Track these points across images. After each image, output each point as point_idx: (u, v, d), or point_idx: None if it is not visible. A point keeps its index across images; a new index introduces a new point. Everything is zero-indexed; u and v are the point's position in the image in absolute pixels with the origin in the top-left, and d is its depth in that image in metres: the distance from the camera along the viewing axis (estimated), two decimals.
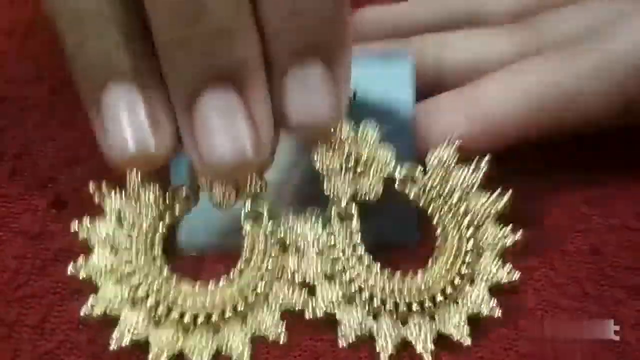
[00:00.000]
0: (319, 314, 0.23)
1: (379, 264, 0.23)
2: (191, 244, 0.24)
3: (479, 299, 0.23)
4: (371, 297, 0.23)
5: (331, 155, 0.23)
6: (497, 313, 0.23)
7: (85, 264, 0.23)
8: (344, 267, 0.23)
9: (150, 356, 0.22)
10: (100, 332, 0.23)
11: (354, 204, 0.23)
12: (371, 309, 0.23)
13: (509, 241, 0.24)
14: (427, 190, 0.24)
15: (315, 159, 0.23)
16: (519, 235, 0.24)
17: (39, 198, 0.25)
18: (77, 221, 0.23)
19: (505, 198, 0.24)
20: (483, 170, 0.24)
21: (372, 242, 0.24)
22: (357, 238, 0.23)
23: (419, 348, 0.23)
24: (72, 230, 0.23)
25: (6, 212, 0.25)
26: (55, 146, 0.27)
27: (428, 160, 0.24)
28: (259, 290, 0.23)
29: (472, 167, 0.24)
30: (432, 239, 0.24)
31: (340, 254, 0.23)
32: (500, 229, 0.24)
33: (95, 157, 0.24)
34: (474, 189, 0.24)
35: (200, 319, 0.22)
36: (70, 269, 0.23)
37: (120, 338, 0.22)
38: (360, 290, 0.23)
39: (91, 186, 0.23)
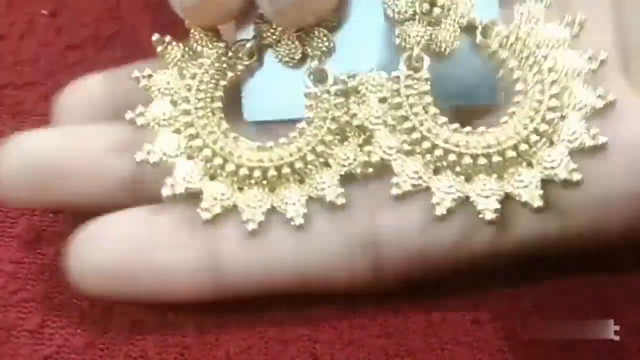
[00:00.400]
0: (374, 159, 0.22)
1: (446, 118, 0.22)
2: (255, 115, 0.23)
3: (557, 161, 0.21)
4: (433, 147, 0.21)
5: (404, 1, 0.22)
6: (577, 177, 0.21)
7: (144, 113, 0.22)
8: (406, 114, 0.22)
9: (202, 205, 0.22)
10: (98, 336, 0.23)
11: (424, 56, 0.22)
12: (432, 160, 0.22)
13: (598, 103, 0.21)
14: (509, 43, 0.22)
15: (385, 3, 0.22)
16: (610, 97, 0.21)
17: None
18: (136, 70, 0.23)
19: (601, 57, 0.22)
20: (577, 27, 0.22)
21: (446, 103, 0.22)
22: (426, 87, 0.22)
23: (481, 205, 0.21)
24: (133, 76, 0.23)
25: (2, 216, 0.25)
26: None
27: (515, 11, 0.23)
28: (318, 150, 0.22)
29: (564, 23, 0.22)
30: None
31: (404, 100, 0.22)
32: (589, 92, 0.22)
33: None
34: (564, 45, 0.22)
35: (256, 174, 0.22)
36: (127, 115, 0.22)
37: (174, 186, 0.22)
38: (423, 138, 0.21)
39: (154, 37, 0.23)
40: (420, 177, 0.21)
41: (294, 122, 0.22)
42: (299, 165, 0.22)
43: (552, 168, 0.21)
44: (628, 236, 0.22)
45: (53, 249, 0.24)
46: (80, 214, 0.23)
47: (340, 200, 0.22)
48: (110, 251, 0.21)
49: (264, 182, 0.22)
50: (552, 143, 0.22)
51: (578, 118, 0.22)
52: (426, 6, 0.22)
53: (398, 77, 0.22)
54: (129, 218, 0.22)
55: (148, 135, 0.22)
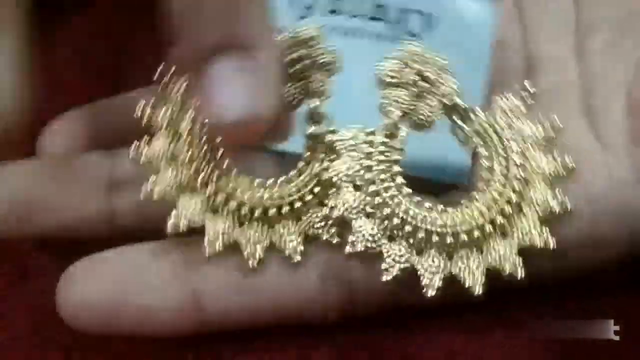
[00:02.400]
0: (335, 214, 0.22)
1: (410, 190, 0.23)
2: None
3: (505, 254, 0.22)
4: (392, 215, 0.22)
5: (395, 65, 0.23)
6: (552, 244, 0.22)
7: (147, 149, 0.22)
8: (373, 178, 0.22)
9: (205, 240, 0.22)
10: None
11: (402, 125, 0.23)
12: (389, 227, 0.22)
13: (556, 206, 0.22)
14: (484, 132, 0.23)
15: (378, 65, 0.23)
16: (567, 205, 0.22)
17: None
18: (142, 103, 0.23)
19: (570, 165, 0.23)
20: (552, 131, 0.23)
21: (417, 177, 0.23)
22: (397, 156, 0.23)
23: (468, 282, 0.22)
24: (137, 111, 0.23)
25: None
26: None
27: (495, 103, 0.24)
28: (315, 191, 0.23)
29: (540, 124, 0.23)
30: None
31: (375, 165, 0.23)
32: (549, 159, 0.23)
33: None
34: (536, 145, 0.23)
35: (257, 213, 0.22)
36: (131, 153, 0.22)
37: (177, 223, 0.22)
38: (384, 205, 0.22)
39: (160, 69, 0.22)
40: (374, 241, 0.22)
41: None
42: (297, 205, 0.23)
43: (501, 260, 0.22)
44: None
45: (38, 285, 0.25)
46: (64, 248, 0.24)
47: (336, 240, 0.23)
48: (98, 290, 0.22)
49: (264, 218, 0.23)
50: (504, 236, 0.22)
51: (535, 217, 0.22)
52: (414, 77, 0.23)
53: (372, 141, 0.23)
54: (118, 258, 0.23)
55: (147, 170, 0.23)
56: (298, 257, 0.22)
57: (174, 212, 0.22)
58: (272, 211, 0.23)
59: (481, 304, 0.22)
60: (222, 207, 0.22)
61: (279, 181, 0.23)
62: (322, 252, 0.23)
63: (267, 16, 0.21)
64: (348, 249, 0.22)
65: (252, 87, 0.20)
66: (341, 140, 0.23)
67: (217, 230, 0.22)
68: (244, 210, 0.22)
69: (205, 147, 0.23)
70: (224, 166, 0.23)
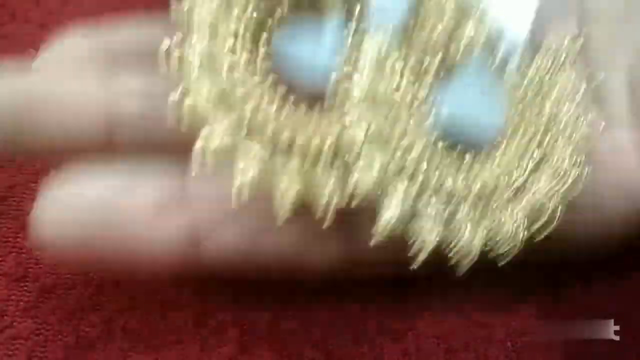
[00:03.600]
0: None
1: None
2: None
3: (544, 190, 0.21)
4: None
5: None
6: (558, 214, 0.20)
7: (181, 44, 0.19)
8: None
9: (239, 165, 0.19)
10: None
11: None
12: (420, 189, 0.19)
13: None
14: (526, 76, 0.21)
15: None
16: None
17: (23, 240, 0.26)
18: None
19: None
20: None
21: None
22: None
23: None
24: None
25: None
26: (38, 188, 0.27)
27: (544, 46, 0.22)
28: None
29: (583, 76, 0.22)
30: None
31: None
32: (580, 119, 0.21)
33: None
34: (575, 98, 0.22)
35: (299, 142, 0.19)
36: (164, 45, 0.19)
37: (209, 138, 0.19)
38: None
39: None
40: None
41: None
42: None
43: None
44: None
45: (39, 285, 0.25)
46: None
47: None
48: (81, 211, 0.20)
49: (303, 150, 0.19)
50: (516, 197, 0.21)
51: (549, 179, 0.21)
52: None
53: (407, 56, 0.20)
54: (106, 183, 0.21)
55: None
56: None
57: (204, 131, 0.19)
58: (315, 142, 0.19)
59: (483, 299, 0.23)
60: (257, 130, 0.19)
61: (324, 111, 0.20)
62: None
63: None
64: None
65: None
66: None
67: (251, 154, 0.19)
68: (285, 135, 0.19)
69: (250, 53, 0.20)
70: (268, 83, 0.20)
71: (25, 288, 0.25)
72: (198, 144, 0.19)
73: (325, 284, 0.23)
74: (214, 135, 0.19)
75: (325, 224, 0.20)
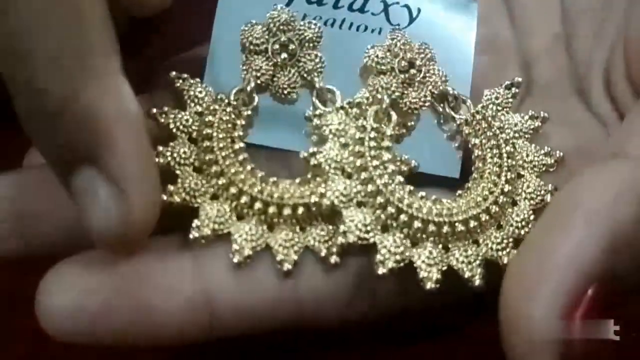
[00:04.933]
0: (325, 203, 0.21)
1: (402, 178, 0.21)
2: (261, 141, 0.23)
3: (502, 243, 0.21)
4: (386, 204, 0.21)
5: (383, 52, 0.22)
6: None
7: (164, 152, 0.21)
8: (365, 165, 0.21)
9: (233, 247, 0.20)
10: None
11: (392, 112, 0.22)
12: (383, 216, 0.21)
13: (548, 197, 0.22)
14: (475, 121, 0.23)
15: (366, 53, 0.22)
16: (558, 154, 0.22)
17: None
18: (157, 110, 0.21)
19: (559, 154, 0.23)
20: (537, 121, 0.23)
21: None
22: (388, 143, 0.22)
23: (467, 273, 0.21)
24: (152, 112, 0.21)
25: None
26: None
27: (484, 95, 0.23)
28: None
29: (527, 116, 0.23)
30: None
31: (366, 151, 0.21)
32: (537, 150, 0.23)
33: None
34: (524, 137, 0.23)
35: (285, 212, 0.21)
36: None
37: (201, 228, 0.20)
38: (378, 193, 0.21)
39: (172, 74, 0.22)
40: (367, 232, 0.21)
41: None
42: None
43: (497, 250, 0.21)
44: None
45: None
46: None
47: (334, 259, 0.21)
48: (86, 289, 0.19)
49: (294, 219, 0.21)
50: (499, 226, 0.22)
51: (527, 207, 0.22)
52: (404, 64, 0.23)
53: (364, 126, 0.22)
54: (112, 256, 0.20)
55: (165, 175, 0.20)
56: (337, 259, 0.20)
57: (197, 219, 0.20)
58: (301, 210, 0.21)
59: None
60: (247, 210, 0.21)
61: (298, 180, 0.21)
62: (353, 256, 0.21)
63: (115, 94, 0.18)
64: (340, 239, 0.20)
65: (116, 195, 0.18)
66: (328, 125, 0.22)
67: (244, 235, 0.20)
68: (272, 210, 0.21)
69: (228, 151, 0.21)
70: (248, 167, 0.21)
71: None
72: (191, 235, 0.20)
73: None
74: (204, 224, 0.20)
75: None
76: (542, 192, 0.22)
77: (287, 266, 0.20)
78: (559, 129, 0.24)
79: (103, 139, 0.18)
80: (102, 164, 0.18)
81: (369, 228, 0.21)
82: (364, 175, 0.21)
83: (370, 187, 0.21)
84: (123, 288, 0.19)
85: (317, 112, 0.22)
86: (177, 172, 0.21)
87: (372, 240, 0.21)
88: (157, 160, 0.21)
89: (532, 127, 0.23)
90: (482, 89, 0.24)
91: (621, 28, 0.24)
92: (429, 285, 0.20)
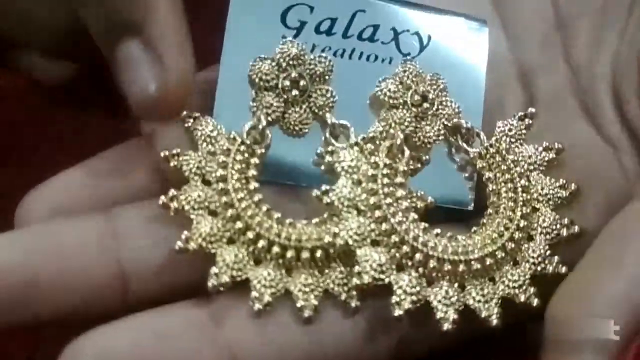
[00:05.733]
0: (339, 242, 0.20)
1: (417, 215, 0.21)
2: (272, 177, 0.22)
3: (518, 281, 0.21)
4: (401, 242, 0.20)
5: (395, 85, 0.22)
6: (562, 269, 0.21)
7: (177, 196, 0.20)
8: (379, 203, 0.21)
9: (252, 295, 0.20)
10: None
11: (405, 147, 0.22)
12: (398, 255, 0.21)
13: (564, 232, 0.22)
14: (489, 155, 0.22)
15: (378, 86, 0.22)
16: (576, 229, 0.22)
17: None
18: (168, 152, 0.21)
19: (572, 188, 0.22)
20: (552, 153, 0.23)
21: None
22: (401, 179, 0.21)
23: (484, 313, 0.20)
24: (164, 154, 0.21)
25: None
26: None
27: (497, 127, 0.23)
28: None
29: (541, 148, 0.23)
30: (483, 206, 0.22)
31: (379, 188, 0.21)
32: (552, 183, 0.23)
33: None
34: (539, 169, 0.23)
35: (304, 255, 0.21)
36: (161, 200, 0.20)
37: (219, 275, 0.20)
38: (392, 231, 0.21)
39: (183, 113, 0.22)
40: (382, 272, 0.20)
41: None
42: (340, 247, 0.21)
43: (514, 288, 0.21)
44: None
45: None
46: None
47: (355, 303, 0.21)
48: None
49: (312, 263, 0.21)
50: (515, 262, 0.22)
51: (543, 242, 0.22)
52: (417, 98, 0.22)
53: (377, 163, 0.22)
54: (130, 324, 0.19)
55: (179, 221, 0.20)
56: (357, 303, 0.20)
57: (215, 267, 0.20)
58: (319, 253, 0.21)
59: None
60: (265, 254, 0.20)
61: (315, 220, 0.21)
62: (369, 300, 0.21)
63: None
64: (355, 281, 0.20)
65: (156, 63, 0.20)
66: (340, 162, 0.22)
67: (262, 281, 0.20)
68: (290, 254, 0.20)
69: (244, 193, 0.21)
70: (263, 209, 0.21)
71: None
72: (210, 283, 0.20)
73: None
74: (222, 271, 0.20)
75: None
76: (558, 226, 0.22)
77: (308, 312, 0.20)
78: (569, 155, 0.23)
79: (146, 8, 0.20)
80: (144, 32, 0.20)
81: (384, 268, 0.20)
82: (377, 213, 0.21)
83: (384, 226, 0.21)
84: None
85: (330, 148, 0.22)
86: (192, 217, 0.21)
87: (387, 280, 0.20)
88: (171, 205, 0.20)
89: (546, 159, 0.23)
90: (488, 109, 0.24)
91: (625, 37, 0.23)
92: (446, 326, 0.20)
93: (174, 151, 0.21)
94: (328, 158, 0.22)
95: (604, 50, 0.24)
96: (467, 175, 0.23)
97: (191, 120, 0.22)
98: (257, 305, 0.20)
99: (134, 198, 0.22)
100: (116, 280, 0.20)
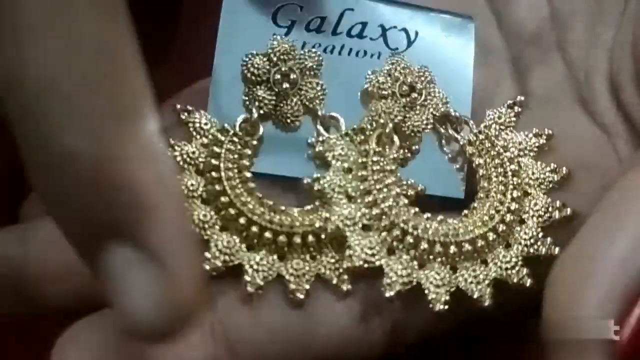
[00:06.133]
0: (330, 227, 0.21)
1: (407, 200, 0.21)
2: (265, 169, 0.23)
3: (510, 262, 0.21)
4: (392, 226, 0.21)
5: (384, 77, 0.23)
6: (555, 251, 0.21)
7: None
8: (370, 188, 0.21)
9: (245, 278, 0.20)
10: None
11: (395, 136, 0.22)
12: (388, 239, 0.21)
13: (556, 214, 0.22)
14: (478, 141, 0.23)
15: (367, 78, 0.22)
16: (569, 211, 0.22)
17: None
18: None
19: (564, 171, 0.23)
20: (542, 139, 0.23)
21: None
22: (392, 166, 0.22)
23: (476, 294, 0.21)
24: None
25: None
26: None
27: (487, 114, 0.24)
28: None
29: (531, 134, 0.23)
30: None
31: (370, 175, 0.21)
32: (543, 167, 0.23)
33: None
34: (529, 155, 0.23)
35: (296, 241, 0.21)
36: None
37: (212, 260, 0.20)
38: (382, 214, 0.21)
39: (177, 106, 0.22)
40: (373, 255, 0.21)
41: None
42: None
43: (506, 269, 0.21)
44: None
45: None
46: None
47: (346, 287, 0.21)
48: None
49: (304, 248, 0.21)
50: (508, 244, 0.22)
51: (535, 225, 0.22)
52: (405, 88, 0.23)
53: (367, 150, 0.22)
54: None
55: None
56: (348, 286, 0.21)
57: (208, 252, 0.20)
58: (311, 238, 0.21)
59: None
60: (257, 240, 0.21)
61: (307, 207, 0.22)
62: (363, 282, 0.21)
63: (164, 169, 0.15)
64: (346, 263, 0.21)
65: (159, 276, 0.14)
66: (331, 150, 0.22)
67: (255, 265, 0.21)
68: (282, 239, 0.21)
69: (236, 181, 0.22)
70: (256, 195, 0.22)
71: None
72: (206, 264, 0.20)
73: None
74: (215, 256, 0.20)
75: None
76: (550, 209, 0.22)
77: (299, 296, 0.20)
78: (563, 143, 0.24)
79: (144, 206, 0.14)
80: (140, 238, 0.14)
81: (374, 251, 0.21)
82: (367, 198, 0.21)
83: (374, 210, 0.21)
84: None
85: (320, 138, 0.22)
86: (186, 205, 0.21)
87: (378, 263, 0.21)
88: None
89: (536, 144, 0.23)
90: (479, 105, 0.24)
91: (621, 29, 0.24)
92: (438, 306, 0.20)
93: (169, 142, 0.22)
94: (319, 147, 0.22)
95: (600, 44, 0.24)
96: (458, 166, 0.24)
97: (185, 114, 0.23)
98: (250, 289, 0.20)
99: None
100: None
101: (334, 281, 0.21)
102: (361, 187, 0.21)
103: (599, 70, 0.24)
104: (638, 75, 0.23)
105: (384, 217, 0.21)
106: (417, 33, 0.25)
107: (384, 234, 0.21)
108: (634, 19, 0.24)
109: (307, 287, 0.21)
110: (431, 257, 0.21)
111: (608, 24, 0.24)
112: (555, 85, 0.25)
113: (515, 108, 0.24)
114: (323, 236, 0.21)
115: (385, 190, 0.21)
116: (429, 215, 0.22)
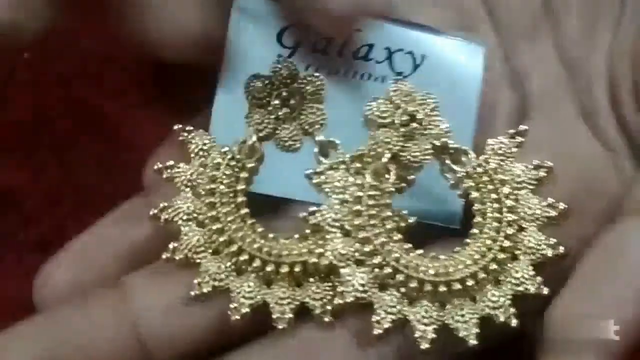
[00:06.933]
0: (324, 262, 0.22)
1: (400, 235, 0.22)
2: (267, 190, 0.24)
3: (499, 302, 0.21)
4: (383, 264, 0.21)
5: (385, 105, 0.22)
6: (544, 291, 0.21)
7: (167, 208, 0.22)
8: (364, 224, 0.22)
9: (231, 305, 0.21)
10: None
11: (392, 167, 0.22)
12: (380, 276, 0.21)
13: (549, 252, 0.22)
14: (476, 174, 0.23)
15: (368, 105, 0.23)
16: (561, 249, 0.22)
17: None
18: (161, 165, 0.23)
19: (561, 207, 0.22)
20: (542, 171, 0.23)
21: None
22: (388, 200, 0.22)
23: (462, 332, 0.21)
24: (156, 167, 0.23)
25: None
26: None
27: (487, 145, 0.23)
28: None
29: (532, 166, 0.23)
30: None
31: (365, 210, 0.22)
32: (540, 202, 0.22)
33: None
34: (527, 188, 0.23)
35: (283, 270, 0.22)
36: (151, 212, 0.22)
37: (202, 285, 0.21)
38: (375, 252, 0.21)
39: (176, 126, 0.23)
40: (364, 291, 0.21)
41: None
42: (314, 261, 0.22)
43: (494, 309, 0.21)
44: None
45: None
46: None
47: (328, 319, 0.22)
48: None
49: (291, 276, 0.22)
50: (497, 283, 0.22)
51: (527, 263, 0.22)
52: (405, 118, 0.23)
53: (362, 184, 0.22)
54: None
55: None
56: (330, 317, 0.21)
57: (198, 277, 0.21)
58: (298, 268, 0.22)
59: None
60: (246, 267, 0.22)
61: (296, 236, 0.22)
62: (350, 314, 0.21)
63: None
64: (337, 300, 0.21)
65: None
66: (327, 182, 0.22)
67: (243, 292, 0.21)
68: (270, 268, 0.22)
69: (230, 207, 0.22)
70: (248, 223, 0.22)
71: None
72: (192, 293, 0.21)
73: None
74: (205, 281, 0.21)
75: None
76: (543, 246, 0.22)
77: (282, 325, 0.21)
78: (564, 163, 0.23)
79: None
80: None
81: (366, 287, 0.21)
82: (361, 234, 0.22)
83: (367, 247, 0.21)
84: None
85: (317, 169, 0.22)
86: (182, 228, 0.22)
87: (368, 299, 0.21)
88: (161, 216, 0.22)
89: (536, 177, 0.23)
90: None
91: (619, 37, 0.23)
92: (424, 345, 0.21)
93: (167, 163, 0.23)
94: (315, 179, 0.22)
95: (598, 47, 0.24)
96: (459, 193, 0.23)
97: (185, 134, 0.23)
98: (235, 317, 0.21)
99: (143, 255, 0.23)
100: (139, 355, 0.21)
101: (317, 311, 0.21)
102: (355, 222, 0.22)
103: (598, 76, 0.23)
104: (636, 87, 0.22)
105: (375, 255, 0.21)
106: (423, 57, 0.24)
107: (376, 270, 0.21)
108: (633, 35, 0.23)
109: (291, 315, 0.21)
110: (421, 294, 0.21)
111: (605, 24, 0.24)
112: (555, 92, 0.24)
113: (517, 138, 0.23)
114: (312, 268, 0.22)
115: (379, 225, 0.22)
116: (420, 251, 0.22)
